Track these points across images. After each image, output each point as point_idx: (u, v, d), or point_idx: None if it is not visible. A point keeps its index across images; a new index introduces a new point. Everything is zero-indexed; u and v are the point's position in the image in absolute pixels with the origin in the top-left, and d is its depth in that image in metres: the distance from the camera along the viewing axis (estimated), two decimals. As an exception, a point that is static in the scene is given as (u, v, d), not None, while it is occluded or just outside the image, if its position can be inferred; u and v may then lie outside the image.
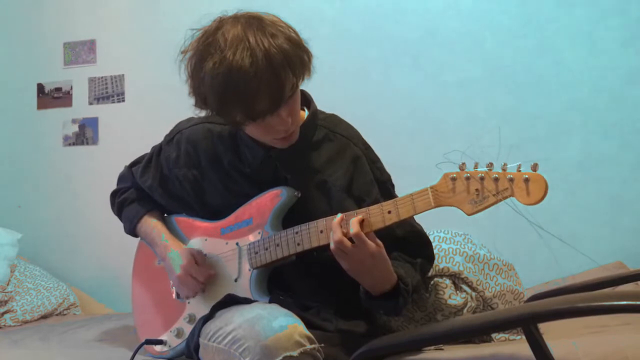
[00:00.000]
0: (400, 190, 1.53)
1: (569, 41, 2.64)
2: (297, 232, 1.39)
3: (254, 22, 1.30)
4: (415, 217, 1.38)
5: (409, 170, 2.12)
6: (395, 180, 1.58)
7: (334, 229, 1.30)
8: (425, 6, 2.81)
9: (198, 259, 1.51)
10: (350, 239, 1.29)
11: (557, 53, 2.65)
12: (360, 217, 1.30)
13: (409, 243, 1.50)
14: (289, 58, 1.28)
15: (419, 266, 1.50)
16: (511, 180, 1.15)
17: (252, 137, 1.45)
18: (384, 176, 1.55)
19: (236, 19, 1.32)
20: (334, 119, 1.56)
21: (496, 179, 1.17)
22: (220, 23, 1.33)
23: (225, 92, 1.28)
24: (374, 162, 1.55)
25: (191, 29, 1.36)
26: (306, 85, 1.40)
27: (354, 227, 1.28)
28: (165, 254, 1.57)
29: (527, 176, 1.14)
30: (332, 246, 1.31)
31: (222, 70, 1.26)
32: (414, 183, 1.33)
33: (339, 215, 1.32)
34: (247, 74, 1.24)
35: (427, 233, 1.56)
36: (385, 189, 1.53)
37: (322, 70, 1.41)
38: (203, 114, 1.41)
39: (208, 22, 1.35)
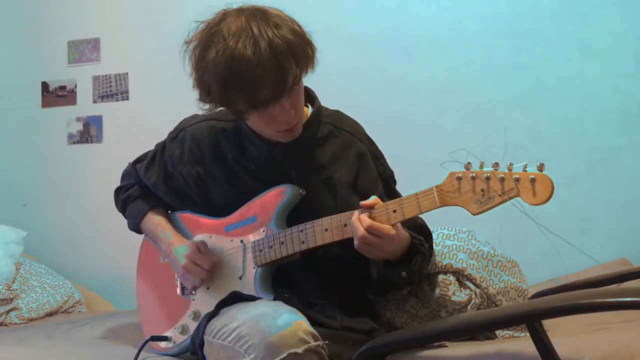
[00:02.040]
0: (403, 187, 1.53)
1: (576, 41, 2.63)
2: (301, 230, 1.39)
3: (258, 13, 1.32)
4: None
5: (412, 167, 2.11)
6: (399, 176, 1.58)
7: (357, 227, 1.30)
8: (431, 5, 2.81)
9: (202, 248, 1.52)
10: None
11: (564, 51, 2.65)
12: (367, 214, 1.31)
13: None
14: (292, 48, 1.29)
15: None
16: (517, 180, 1.15)
17: (256, 132, 1.46)
18: (386, 172, 1.56)
19: (240, 11, 1.34)
20: (338, 115, 1.57)
21: (502, 179, 1.16)
22: (224, 15, 1.34)
23: (228, 79, 1.28)
24: (378, 158, 1.55)
25: (195, 21, 1.38)
26: (311, 80, 1.40)
27: (366, 222, 1.29)
28: (169, 250, 1.58)
29: (533, 176, 1.13)
30: (356, 243, 1.31)
31: (224, 59, 1.27)
32: (417, 180, 1.33)
33: (356, 212, 1.33)
34: (250, 62, 1.25)
35: (429, 228, 1.56)
36: (387, 185, 1.54)
37: (325, 65, 1.41)
38: (207, 107, 1.42)
39: (212, 14, 1.37)
